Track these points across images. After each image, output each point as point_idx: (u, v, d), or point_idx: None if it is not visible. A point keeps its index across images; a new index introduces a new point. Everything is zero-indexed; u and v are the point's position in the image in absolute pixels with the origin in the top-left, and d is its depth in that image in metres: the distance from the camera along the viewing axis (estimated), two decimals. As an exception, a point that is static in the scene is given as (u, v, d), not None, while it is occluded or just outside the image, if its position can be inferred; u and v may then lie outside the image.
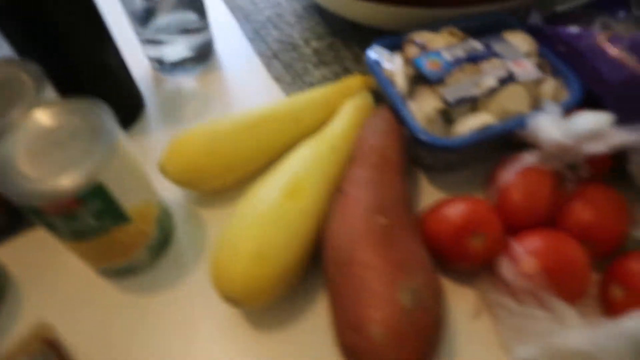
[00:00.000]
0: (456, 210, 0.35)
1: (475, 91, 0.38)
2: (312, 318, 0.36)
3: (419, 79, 0.40)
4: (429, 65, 0.39)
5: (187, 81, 0.53)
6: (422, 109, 0.38)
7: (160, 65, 0.52)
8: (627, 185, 0.37)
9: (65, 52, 0.40)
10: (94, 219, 0.32)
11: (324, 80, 0.50)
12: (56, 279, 0.40)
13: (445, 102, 0.38)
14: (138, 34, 0.49)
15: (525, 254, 0.33)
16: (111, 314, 0.38)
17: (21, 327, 0.37)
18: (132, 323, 0.37)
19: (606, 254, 0.36)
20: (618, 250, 0.36)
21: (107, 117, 0.32)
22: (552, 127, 0.36)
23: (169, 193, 0.43)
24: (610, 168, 0.39)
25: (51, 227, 0.32)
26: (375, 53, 0.42)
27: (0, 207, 0.40)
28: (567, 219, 0.36)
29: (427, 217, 0.36)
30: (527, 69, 0.39)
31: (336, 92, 0.44)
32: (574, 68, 0.40)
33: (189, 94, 0.52)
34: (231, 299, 0.33)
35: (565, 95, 0.39)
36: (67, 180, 0.30)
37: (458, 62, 0.39)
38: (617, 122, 0.36)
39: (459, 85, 0.38)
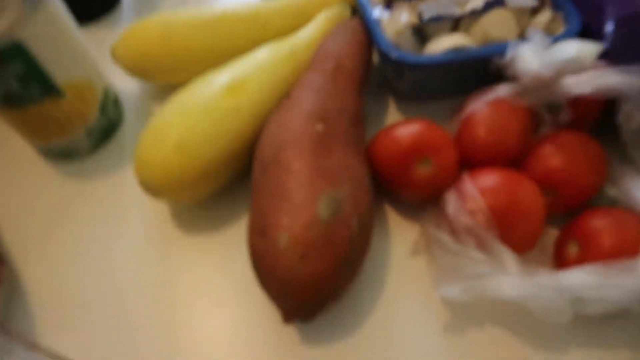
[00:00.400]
0: (405, 131, 0.31)
1: (455, 10, 0.34)
2: (238, 224, 0.34)
3: (400, -7, 0.36)
4: (412, -22, 0.35)
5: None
6: (395, 23, 0.35)
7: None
8: (614, 140, 0.32)
9: None
10: (18, 83, 0.31)
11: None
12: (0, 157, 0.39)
13: (420, 17, 0.34)
14: None
15: (474, 189, 0.30)
16: (48, 193, 0.37)
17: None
18: (66, 203, 0.36)
19: (571, 208, 0.32)
20: (585, 205, 0.32)
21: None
22: (532, 57, 0.31)
23: (124, 84, 0.41)
24: (598, 118, 0.34)
25: (-23, 87, 0.31)
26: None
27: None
28: (533, 163, 0.32)
29: (377, 137, 0.33)
30: (522, -6, 0.35)
31: (314, 1, 0.40)
32: (576, 1, 0.35)
33: (169, -9, 0.49)
34: (149, 187, 0.31)
35: (562, 31, 0.35)
36: (-17, 33, 0.28)
37: (445, -22, 0.35)
38: (612, 64, 0.31)
39: (439, 3, 0.34)
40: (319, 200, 0.27)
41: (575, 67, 0.30)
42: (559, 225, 0.32)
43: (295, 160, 0.28)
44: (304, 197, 0.27)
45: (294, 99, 0.31)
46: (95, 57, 0.36)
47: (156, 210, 0.35)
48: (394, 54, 0.33)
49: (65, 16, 0.32)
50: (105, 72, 0.38)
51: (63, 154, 0.37)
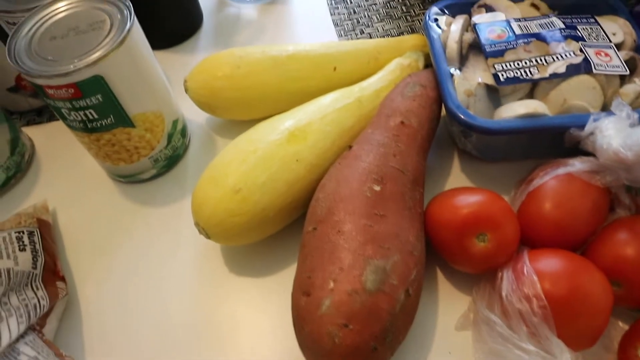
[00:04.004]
0: (465, 201, 0.30)
1: (535, 73, 0.32)
2: (285, 271, 0.34)
3: (477, 49, 0.34)
4: (490, 34, 0.34)
5: (249, 8, 0.52)
6: (468, 81, 0.33)
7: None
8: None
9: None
10: (95, 113, 0.32)
11: (386, 35, 0.45)
12: (73, 171, 0.42)
13: (495, 78, 0.32)
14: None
15: (532, 272, 0.28)
16: (109, 213, 0.39)
17: (32, 201, 0.39)
18: (125, 225, 0.38)
19: (642, 304, 0.29)
20: (658, 302, 0.29)
21: (127, 14, 0.32)
22: (615, 133, 0.29)
23: (194, 114, 0.43)
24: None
25: (59, 113, 0.33)
26: (435, 12, 0.37)
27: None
28: (602, 249, 0.29)
29: (435, 201, 0.32)
30: (610, 61, 0.32)
31: (387, 47, 0.39)
32: (674, 73, 0.32)
33: (247, 21, 0.50)
34: (200, 226, 0.31)
35: (653, 105, 0.32)
36: (69, 66, 0.30)
37: (526, 38, 0.33)
38: None
39: (518, 64, 0.32)
40: (367, 268, 0.26)
41: (663, 154, 0.27)
42: (629, 320, 0.29)
43: (348, 222, 0.28)
44: (352, 263, 0.26)
45: (354, 153, 0.31)
46: (169, 89, 0.37)
47: (208, 244, 0.36)
48: (462, 115, 0.32)
49: (144, 52, 0.34)
50: (176, 100, 0.39)
51: (128, 178, 0.39)
